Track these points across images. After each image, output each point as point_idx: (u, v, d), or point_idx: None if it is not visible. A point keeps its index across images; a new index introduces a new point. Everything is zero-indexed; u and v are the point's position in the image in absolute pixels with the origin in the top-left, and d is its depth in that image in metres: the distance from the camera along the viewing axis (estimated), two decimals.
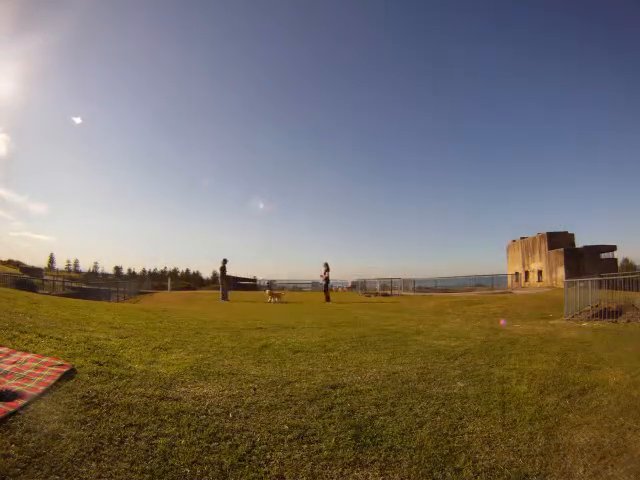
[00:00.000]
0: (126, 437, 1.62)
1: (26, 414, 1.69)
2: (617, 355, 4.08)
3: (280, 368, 3.01)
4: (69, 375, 2.19)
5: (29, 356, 2.38)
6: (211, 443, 1.66)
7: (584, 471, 1.65)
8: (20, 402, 1.77)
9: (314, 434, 1.85)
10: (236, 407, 2.10)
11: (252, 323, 6.13)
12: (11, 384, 1.95)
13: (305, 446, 1.73)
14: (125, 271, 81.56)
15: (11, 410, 1.67)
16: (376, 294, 22.27)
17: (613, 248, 25.75)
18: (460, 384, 2.82)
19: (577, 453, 1.80)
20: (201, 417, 1.92)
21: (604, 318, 8.30)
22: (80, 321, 4.38)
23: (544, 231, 27.98)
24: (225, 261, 14.72)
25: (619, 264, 28.63)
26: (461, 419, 2.16)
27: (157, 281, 43.36)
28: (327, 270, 14.79)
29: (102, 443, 1.54)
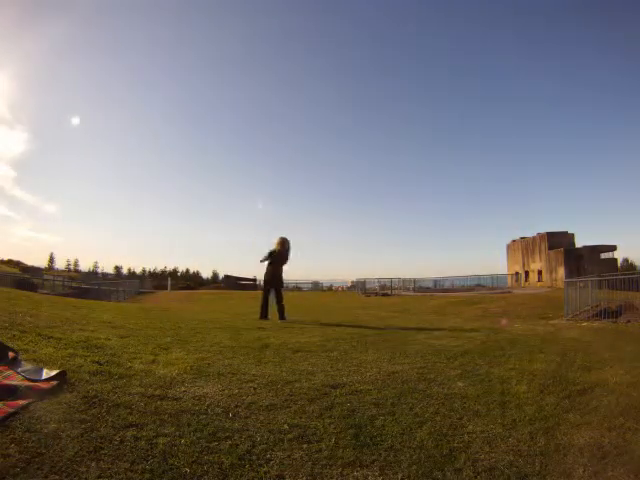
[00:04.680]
0: (126, 437, 1.61)
1: (26, 414, 1.68)
2: (617, 355, 4.08)
3: (280, 368, 3.01)
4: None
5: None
6: (211, 443, 1.66)
7: (584, 471, 1.65)
8: (20, 402, 1.77)
9: (314, 434, 1.85)
10: (236, 407, 2.10)
11: (252, 323, 6.13)
12: (12, 383, 1.95)
13: (305, 446, 1.72)
14: (125, 271, 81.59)
15: (11, 410, 1.67)
16: (376, 294, 22.29)
17: (613, 248, 25.77)
18: (460, 384, 2.82)
19: (577, 453, 1.80)
20: (201, 417, 1.91)
21: (604, 318, 8.30)
22: (80, 321, 4.38)
23: (544, 231, 27.96)
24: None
25: (619, 264, 28.64)
26: (461, 419, 2.16)
27: (157, 281, 43.38)
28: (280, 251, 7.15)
29: (102, 443, 1.54)
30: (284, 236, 7.19)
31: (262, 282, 7.14)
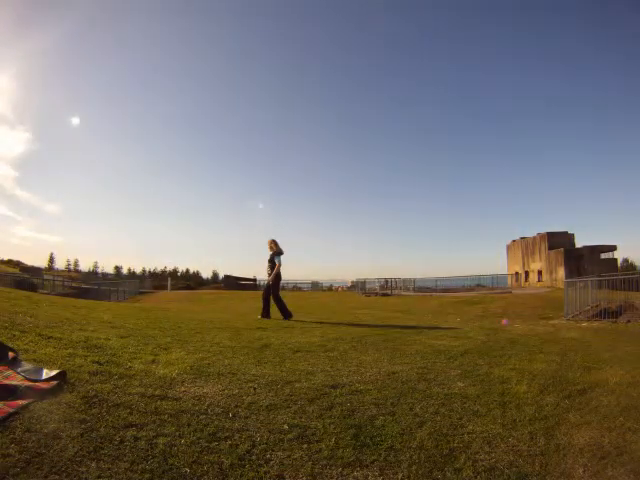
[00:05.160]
0: (126, 437, 1.61)
1: (26, 414, 1.68)
2: (617, 355, 4.08)
3: (280, 368, 3.01)
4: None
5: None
6: (211, 443, 1.66)
7: (584, 471, 1.65)
8: (20, 402, 1.77)
9: (314, 434, 1.85)
10: (236, 407, 2.10)
11: (252, 323, 6.13)
12: (12, 383, 1.95)
13: (305, 446, 1.73)
14: (125, 271, 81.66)
15: (11, 410, 1.67)
16: (376, 294, 22.29)
17: (613, 248, 25.75)
18: (460, 384, 2.82)
19: (577, 453, 1.80)
20: (201, 417, 1.91)
21: (604, 318, 8.31)
22: (80, 321, 4.38)
23: (544, 231, 27.95)
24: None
25: (619, 264, 28.64)
26: (461, 419, 2.16)
27: (157, 281, 43.39)
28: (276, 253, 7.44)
29: (102, 443, 1.54)
30: (272, 238, 7.53)
31: (270, 283, 7.39)
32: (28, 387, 1.94)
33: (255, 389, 2.44)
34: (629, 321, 7.87)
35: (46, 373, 2.11)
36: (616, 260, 26.29)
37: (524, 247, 30.64)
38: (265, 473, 1.49)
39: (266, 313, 7.16)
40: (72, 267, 75.96)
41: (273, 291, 7.27)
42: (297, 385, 2.57)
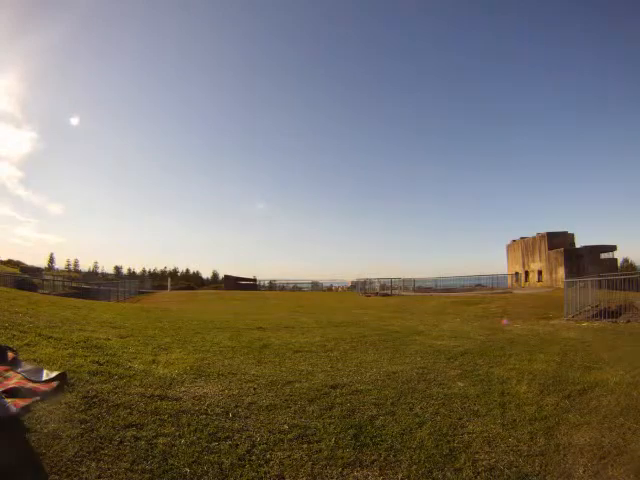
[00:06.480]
0: (126, 437, 1.61)
1: (26, 414, 1.68)
2: (617, 355, 4.08)
3: (280, 368, 3.01)
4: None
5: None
6: (211, 443, 1.66)
7: (584, 471, 1.65)
8: (21, 402, 1.77)
9: (314, 434, 1.85)
10: (236, 407, 2.10)
11: (252, 323, 6.13)
12: (12, 384, 1.95)
13: (305, 446, 1.73)
14: (125, 271, 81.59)
15: (13, 410, 1.67)
16: (376, 294, 22.28)
17: (613, 248, 25.75)
18: (460, 384, 2.82)
19: (577, 453, 1.80)
20: (201, 417, 1.92)
21: (604, 318, 8.30)
22: (80, 321, 4.38)
23: (544, 231, 27.95)
24: None
25: (619, 264, 28.65)
26: (461, 419, 2.16)
27: (157, 281, 43.41)
28: None
29: (102, 443, 1.54)
30: None
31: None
32: (28, 388, 1.94)
33: (255, 389, 2.44)
34: (629, 321, 7.87)
35: (46, 374, 2.12)
36: (616, 260, 26.30)
37: (524, 247, 30.63)
38: (265, 473, 1.49)
39: None
40: (72, 267, 75.92)
41: None
42: (297, 385, 2.57)
